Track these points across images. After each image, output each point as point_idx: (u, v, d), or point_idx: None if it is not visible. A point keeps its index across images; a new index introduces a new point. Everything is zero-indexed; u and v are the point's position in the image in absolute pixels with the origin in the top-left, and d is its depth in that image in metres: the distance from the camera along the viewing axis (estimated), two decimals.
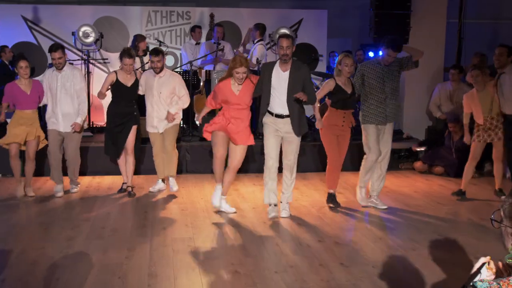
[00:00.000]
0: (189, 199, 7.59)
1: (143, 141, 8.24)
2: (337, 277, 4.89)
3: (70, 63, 8.16)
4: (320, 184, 8.61)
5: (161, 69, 7.52)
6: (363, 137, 7.26)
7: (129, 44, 11.18)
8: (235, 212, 6.83)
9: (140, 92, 7.76)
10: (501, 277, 2.05)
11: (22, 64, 7.28)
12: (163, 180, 8.01)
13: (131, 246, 5.70)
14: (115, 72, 7.65)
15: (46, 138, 7.64)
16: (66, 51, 11.47)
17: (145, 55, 10.31)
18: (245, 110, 6.64)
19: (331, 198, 7.27)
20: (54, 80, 7.44)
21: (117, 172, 8.15)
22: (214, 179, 6.87)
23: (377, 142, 7.15)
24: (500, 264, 2.10)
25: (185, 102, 7.77)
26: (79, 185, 8.08)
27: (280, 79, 6.40)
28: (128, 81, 7.54)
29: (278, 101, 6.43)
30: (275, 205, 6.73)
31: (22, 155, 7.63)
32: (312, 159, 9.63)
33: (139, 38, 10.50)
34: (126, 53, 7.50)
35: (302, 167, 9.15)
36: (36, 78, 8.50)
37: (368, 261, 5.36)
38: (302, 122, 6.59)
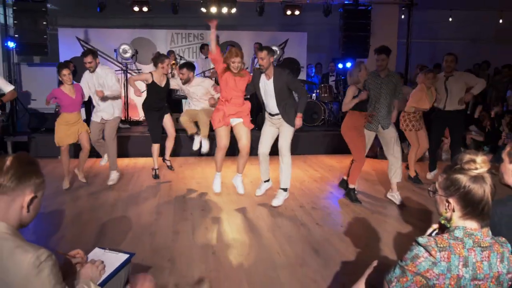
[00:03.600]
0: (204, 175, 7.60)
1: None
2: (314, 234, 4.92)
3: (104, 65, 7.34)
4: (302, 164, 8.60)
5: (188, 81, 6.93)
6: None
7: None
8: (242, 194, 6.29)
9: (177, 87, 7.40)
10: (438, 234, 2.07)
11: (65, 72, 6.53)
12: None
13: (159, 210, 5.72)
14: (151, 73, 6.92)
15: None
16: (110, 63, 11.58)
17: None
18: (241, 97, 6.00)
19: (351, 192, 6.19)
20: (91, 80, 6.80)
21: (149, 155, 8.06)
22: (215, 168, 6.31)
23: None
24: (437, 224, 2.12)
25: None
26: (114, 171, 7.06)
27: (266, 86, 5.76)
28: (161, 82, 6.92)
29: (270, 104, 5.82)
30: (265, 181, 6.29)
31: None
32: (295, 144, 9.58)
33: (170, 53, 10.55)
34: (165, 56, 7.12)
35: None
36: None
37: (337, 222, 5.39)
38: (291, 116, 5.76)
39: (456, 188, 1.94)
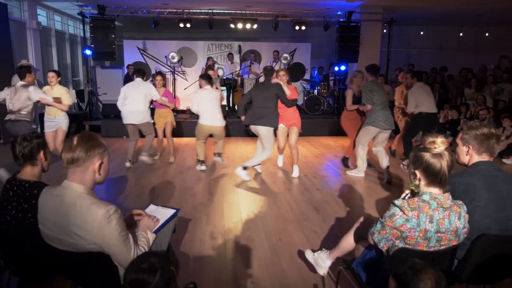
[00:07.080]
0: (230, 151, 7.56)
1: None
2: (314, 197, 4.90)
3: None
4: (306, 144, 8.53)
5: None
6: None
7: (204, 63, 11.19)
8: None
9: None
10: (410, 198, 2.05)
11: (159, 77, 6.48)
12: None
13: (198, 177, 5.74)
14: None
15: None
16: (161, 66, 11.55)
17: (212, 69, 10.25)
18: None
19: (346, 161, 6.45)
20: None
21: (189, 135, 8.03)
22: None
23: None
24: (409, 190, 2.10)
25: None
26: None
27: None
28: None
29: None
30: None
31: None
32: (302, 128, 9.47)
33: (209, 59, 10.47)
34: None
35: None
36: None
37: (333, 187, 5.35)
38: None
39: (420, 162, 1.94)
